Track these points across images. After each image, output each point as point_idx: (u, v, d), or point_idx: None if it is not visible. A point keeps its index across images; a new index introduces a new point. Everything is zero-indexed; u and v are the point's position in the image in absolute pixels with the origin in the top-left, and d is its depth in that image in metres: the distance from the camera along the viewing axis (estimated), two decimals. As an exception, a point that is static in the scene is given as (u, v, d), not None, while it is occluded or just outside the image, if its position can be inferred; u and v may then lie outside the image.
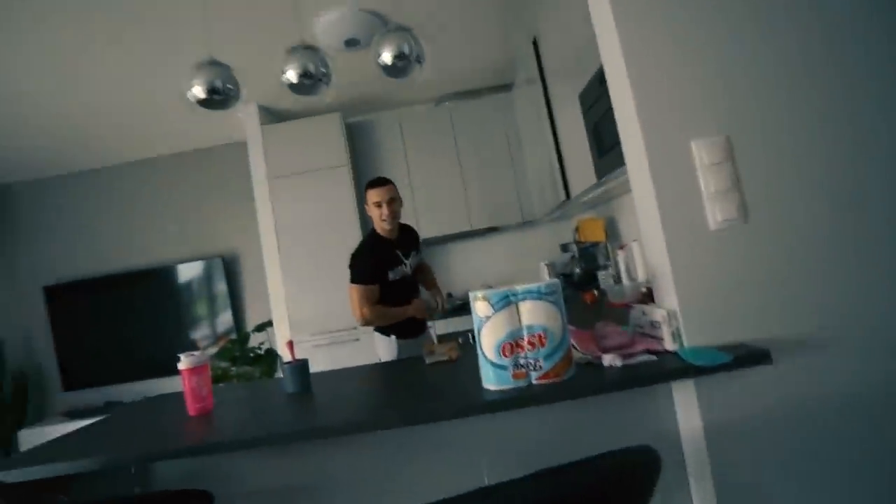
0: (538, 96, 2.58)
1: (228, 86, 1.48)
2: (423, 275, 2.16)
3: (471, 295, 1.05)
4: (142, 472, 1.24)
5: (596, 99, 1.79)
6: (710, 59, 1.11)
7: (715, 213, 1.08)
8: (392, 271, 1.87)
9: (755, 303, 1.05)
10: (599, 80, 1.65)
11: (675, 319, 1.08)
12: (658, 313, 1.11)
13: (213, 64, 1.47)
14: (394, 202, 1.88)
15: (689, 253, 1.08)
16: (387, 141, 3.34)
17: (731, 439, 1.01)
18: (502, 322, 1.00)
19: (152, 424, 1.25)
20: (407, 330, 1.95)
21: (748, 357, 0.95)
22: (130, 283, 3.58)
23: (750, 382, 1.02)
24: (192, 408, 1.24)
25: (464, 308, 2.91)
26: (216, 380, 2.65)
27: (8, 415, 3.35)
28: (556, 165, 2.50)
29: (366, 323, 1.83)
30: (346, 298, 1.94)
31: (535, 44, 2.55)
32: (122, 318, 3.55)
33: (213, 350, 3.24)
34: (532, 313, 1.00)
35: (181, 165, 3.75)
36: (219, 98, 1.48)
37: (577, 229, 2.72)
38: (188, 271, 3.56)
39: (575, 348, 1.13)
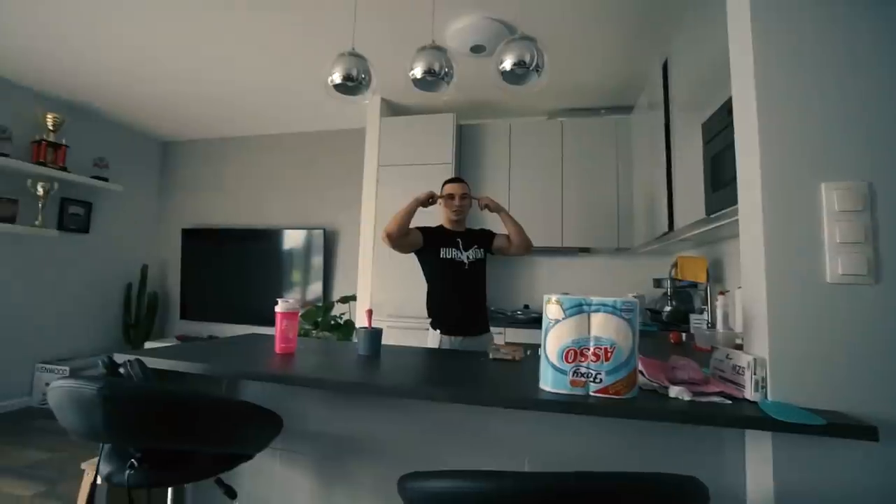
0: (658, 121, 2.49)
1: (362, 75, 1.67)
2: (505, 238, 2.08)
3: (545, 297, 1.08)
4: (231, 390, 1.45)
5: (720, 130, 1.71)
6: (855, 96, 1.02)
7: (836, 266, 0.99)
8: (445, 250, 1.98)
9: (866, 371, 0.94)
10: (728, 110, 1.58)
11: (761, 368, 1.01)
12: (743, 358, 1.05)
13: (353, 54, 1.67)
14: (465, 198, 2.03)
15: (794, 301, 1.00)
16: (494, 146, 3.44)
17: (805, 511, 0.92)
18: (571, 328, 1.02)
19: (246, 353, 1.46)
20: (457, 327, 1.96)
21: (849, 428, 0.86)
22: (246, 238, 4.11)
23: (843, 458, 0.92)
24: (279, 346, 1.43)
25: (539, 321, 2.89)
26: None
27: (142, 325, 4.12)
28: (665, 195, 2.39)
29: (387, 233, 1.84)
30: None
31: (664, 67, 2.47)
32: (234, 268, 4.10)
33: (302, 311, 3.59)
34: (603, 326, 1.00)
35: (306, 143, 4.22)
36: (351, 85, 1.67)
37: (675, 265, 2.57)
38: (293, 237, 3.99)
39: (642, 374, 1.11)
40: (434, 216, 2.14)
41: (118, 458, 0.98)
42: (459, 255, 1.98)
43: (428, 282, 2.05)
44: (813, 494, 0.92)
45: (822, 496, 0.92)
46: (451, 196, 2.00)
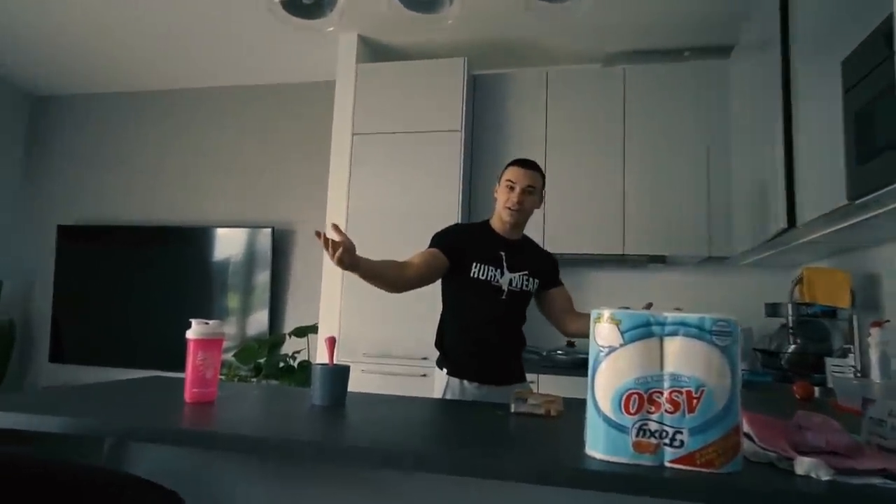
0: (773, 63, 2.46)
1: (325, -12, 1.66)
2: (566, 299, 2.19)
3: (593, 313, 1.03)
4: (114, 460, 1.41)
5: (872, 68, 1.66)
6: None
7: None
8: (479, 265, 1.96)
9: None
10: (886, 35, 1.53)
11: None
12: (917, 415, 0.98)
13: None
14: (531, 194, 2.00)
15: None
16: (523, 106, 3.43)
17: None
18: (633, 360, 0.97)
19: (140, 402, 1.42)
20: (478, 371, 1.98)
21: None
22: (156, 241, 4.12)
23: None
24: (189, 392, 1.39)
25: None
26: (230, 387, 2.91)
27: (-15, 371, 4.03)
28: (781, 174, 2.34)
29: (390, 291, 1.92)
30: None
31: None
32: (137, 286, 4.09)
33: (236, 348, 3.53)
34: (683, 357, 0.95)
35: (248, 102, 4.26)
36: (308, 1, 1.66)
37: (799, 282, 2.51)
38: (228, 240, 4.00)
39: (750, 438, 1.05)
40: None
41: None
42: (498, 276, 1.98)
43: (445, 305, 2.07)
44: None
45: None
46: (510, 185, 1.98)
